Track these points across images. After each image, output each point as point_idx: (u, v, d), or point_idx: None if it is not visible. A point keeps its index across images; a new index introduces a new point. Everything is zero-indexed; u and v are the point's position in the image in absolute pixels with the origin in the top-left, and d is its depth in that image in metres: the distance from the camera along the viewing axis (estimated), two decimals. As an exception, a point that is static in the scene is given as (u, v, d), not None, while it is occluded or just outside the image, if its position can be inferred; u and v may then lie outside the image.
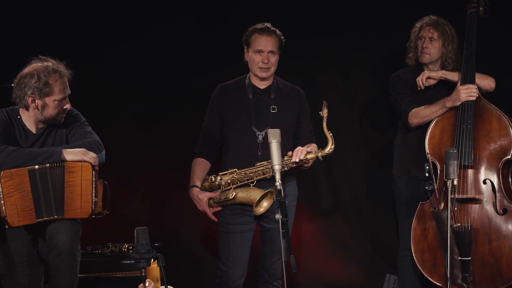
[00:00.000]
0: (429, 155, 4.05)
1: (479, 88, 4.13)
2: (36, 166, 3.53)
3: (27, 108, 3.66)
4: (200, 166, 3.99)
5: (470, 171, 4.05)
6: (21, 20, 4.79)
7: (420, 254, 4.07)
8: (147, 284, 3.34)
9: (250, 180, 3.85)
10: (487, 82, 4.20)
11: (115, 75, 4.96)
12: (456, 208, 3.97)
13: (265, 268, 4.03)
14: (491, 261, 3.95)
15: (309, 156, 3.80)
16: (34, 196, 3.53)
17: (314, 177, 5.04)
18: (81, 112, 3.93)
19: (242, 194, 3.84)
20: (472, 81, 4.11)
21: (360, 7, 5.01)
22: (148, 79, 5.01)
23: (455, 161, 3.67)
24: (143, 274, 3.31)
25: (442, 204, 3.98)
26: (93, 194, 3.58)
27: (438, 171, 4.05)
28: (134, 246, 3.26)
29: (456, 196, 3.92)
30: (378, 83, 5.02)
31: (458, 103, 4.08)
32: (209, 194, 3.91)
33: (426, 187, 3.97)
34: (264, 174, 3.83)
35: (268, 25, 3.93)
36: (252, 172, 3.84)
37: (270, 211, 3.86)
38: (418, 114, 4.22)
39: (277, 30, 3.95)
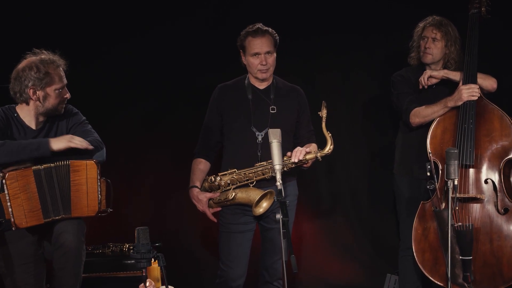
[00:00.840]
0: (430, 155, 4.08)
1: (481, 88, 4.14)
2: (41, 166, 3.57)
3: (27, 102, 3.70)
4: (200, 166, 4.02)
5: (472, 171, 4.07)
6: (21, 20, 4.82)
7: (421, 254, 4.09)
8: (147, 284, 3.38)
9: (249, 181, 3.87)
10: (489, 82, 4.22)
11: (115, 75, 4.99)
12: (457, 208, 4.00)
13: (266, 268, 4.06)
14: (492, 261, 3.97)
15: (308, 157, 3.82)
16: (41, 196, 3.57)
17: (315, 177, 5.06)
18: (82, 111, 3.97)
19: (241, 195, 3.86)
20: (474, 81, 4.12)
21: (361, 7, 5.02)
22: (148, 79, 5.03)
23: (456, 161, 3.69)
24: (144, 274, 3.36)
25: (444, 204, 4.00)
26: (99, 192, 3.64)
27: (440, 171, 4.07)
28: (135, 246, 3.31)
29: (458, 195, 3.95)
30: (378, 83, 5.04)
31: (460, 103, 4.09)
32: (208, 195, 3.93)
33: (428, 187, 3.98)
34: (263, 175, 3.85)
35: (260, 25, 3.93)
36: (251, 173, 3.86)
37: (270, 211, 3.88)
38: (420, 114, 4.24)
39: (269, 28, 3.95)
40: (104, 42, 4.93)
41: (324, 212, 5.21)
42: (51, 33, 4.80)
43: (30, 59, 3.70)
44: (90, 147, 3.66)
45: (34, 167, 3.56)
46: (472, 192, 4.04)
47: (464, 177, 4.05)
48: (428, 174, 3.92)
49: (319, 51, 5.08)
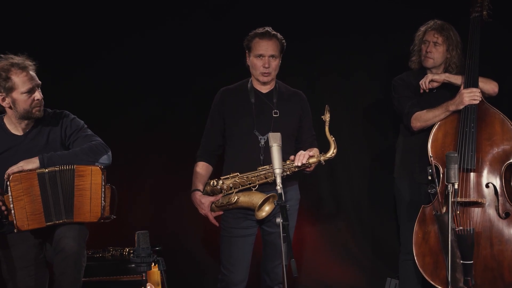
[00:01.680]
0: (432, 158, 4.11)
1: (482, 92, 4.17)
2: (46, 170, 3.60)
3: (4, 109, 3.75)
4: (202, 170, 4.04)
5: (473, 175, 4.10)
6: (21, 20, 4.82)
7: (421, 257, 4.12)
8: (148, 288, 3.40)
9: (252, 184, 3.90)
10: (490, 86, 4.25)
11: (116, 77, 5.00)
12: (458, 212, 4.03)
13: (267, 272, 4.09)
14: (493, 265, 4.00)
15: (311, 161, 3.85)
16: (44, 199, 3.60)
17: (316, 181, 5.08)
18: (81, 114, 4.00)
19: (244, 198, 3.88)
20: (476, 85, 4.15)
21: (363, 9, 5.04)
22: (149, 81, 5.04)
23: (456, 165, 3.71)
24: (144, 278, 3.38)
25: (445, 208, 4.02)
26: (102, 198, 3.66)
27: (441, 175, 4.10)
28: (135, 250, 3.33)
29: (459, 199, 4.00)
30: (379, 86, 5.06)
31: (461, 107, 4.13)
32: (211, 198, 3.96)
33: (429, 191, 4.00)
34: (266, 178, 3.87)
35: (269, 29, 3.98)
36: (254, 176, 3.89)
37: (272, 215, 3.90)
38: (421, 118, 4.26)
39: (278, 34, 3.99)
40: (104, 43, 4.94)
41: (325, 215, 5.24)
42: (51, 34, 4.83)
43: None
44: None
45: (38, 170, 3.59)
46: (473, 196, 4.07)
47: (465, 181, 4.08)
48: (429, 178, 3.94)
49: (320, 54, 5.11)
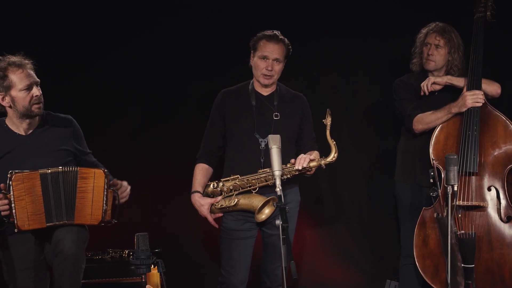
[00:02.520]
0: (433, 161, 4.13)
1: (485, 94, 4.18)
2: (48, 170, 3.65)
3: (5, 109, 3.80)
4: (202, 171, 4.06)
5: (475, 178, 4.12)
6: (20, 20, 4.85)
7: (422, 260, 4.15)
8: (147, 290, 3.43)
9: (252, 187, 3.92)
10: (493, 88, 4.26)
11: (115, 78, 5.02)
12: (460, 215, 4.06)
13: (267, 274, 4.12)
14: (494, 269, 4.03)
15: (312, 164, 3.87)
16: (45, 200, 3.64)
17: (316, 183, 5.10)
18: (80, 116, 4.05)
19: (244, 201, 3.91)
20: (479, 87, 4.17)
21: (364, 11, 5.06)
22: (150, 82, 5.06)
23: (456, 167, 3.73)
24: (143, 280, 3.41)
25: (446, 210, 4.00)
26: (104, 201, 3.70)
27: (443, 177, 4.09)
28: (134, 252, 3.37)
29: (461, 203, 4.02)
30: (380, 88, 5.08)
31: (464, 109, 4.14)
32: (211, 200, 3.98)
33: (431, 193, 4.03)
34: (266, 181, 3.89)
35: (278, 32, 4.00)
36: (254, 179, 3.91)
37: (272, 217, 3.92)
38: (423, 120, 4.28)
39: (286, 39, 4.02)
40: (103, 44, 4.96)
41: (325, 217, 5.26)
42: (50, 36, 4.85)
43: None
44: None
45: (41, 171, 3.64)
46: (475, 200, 4.09)
47: (467, 184, 4.10)
48: (431, 180, 3.96)
49: (321, 55, 5.13)
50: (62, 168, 3.68)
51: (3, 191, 3.61)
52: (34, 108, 3.77)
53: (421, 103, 4.37)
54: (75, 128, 3.97)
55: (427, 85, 4.32)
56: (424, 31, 4.44)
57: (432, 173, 3.96)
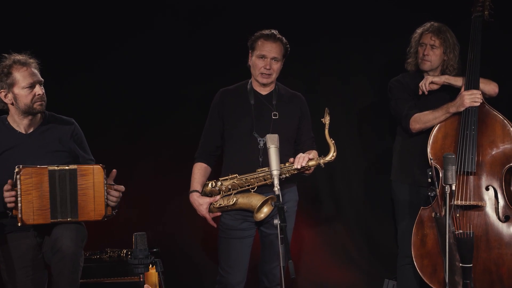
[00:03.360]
0: (431, 160, 4.15)
1: (483, 93, 4.21)
2: (57, 167, 3.68)
3: (6, 107, 3.85)
4: (201, 171, 4.09)
5: (473, 178, 4.14)
6: (20, 21, 4.86)
7: (420, 259, 4.18)
8: (145, 289, 3.45)
9: (250, 186, 3.95)
10: (490, 87, 4.29)
11: (114, 78, 5.02)
12: (458, 215, 4.08)
13: (265, 274, 4.14)
14: (492, 268, 4.06)
15: (310, 163, 3.90)
16: (52, 196, 3.66)
17: (314, 182, 5.13)
18: (80, 117, 4.07)
19: (242, 200, 3.94)
20: (477, 87, 4.19)
21: (361, 12, 5.09)
22: (149, 82, 5.07)
23: (453, 166, 3.75)
24: (142, 279, 3.43)
25: (444, 210, 4.03)
26: (106, 196, 3.74)
27: (441, 176, 4.13)
28: (133, 251, 3.38)
29: (459, 203, 4.04)
30: (378, 89, 5.09)
31: (462, 109, 4.16)
32: (209, 200, 4.01)
33: (429, 193, 4.06)
34: (265, 180, 3.92)
35: (275, 32, 4.04)
36: (253, 178, 3.93)
37: (270, 216, 3.94)
38: (421, 120, 4.30)
39: (284, 38, 4.05)
40: (103, 45, 4.97)
41: (323, 216, 5.29)
42: (49, 35, 4.86)
43: None
44: None
45: (50, 167, 3.67)
46: (473, 200, 4.11)
47: (465, 184, 4.12)
48: (430, 180, 3.99)
49: (319, 56, 5.16)
50: (69, 166, 3.72)
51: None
52: (36, 105, 3.82)
53: (417, 103, 4.39)
54: (76, 130, 4.01)
55: (425, 85, 4.33)
56: (419, 31, 4.47)
57: (430, 173, 3.99)
